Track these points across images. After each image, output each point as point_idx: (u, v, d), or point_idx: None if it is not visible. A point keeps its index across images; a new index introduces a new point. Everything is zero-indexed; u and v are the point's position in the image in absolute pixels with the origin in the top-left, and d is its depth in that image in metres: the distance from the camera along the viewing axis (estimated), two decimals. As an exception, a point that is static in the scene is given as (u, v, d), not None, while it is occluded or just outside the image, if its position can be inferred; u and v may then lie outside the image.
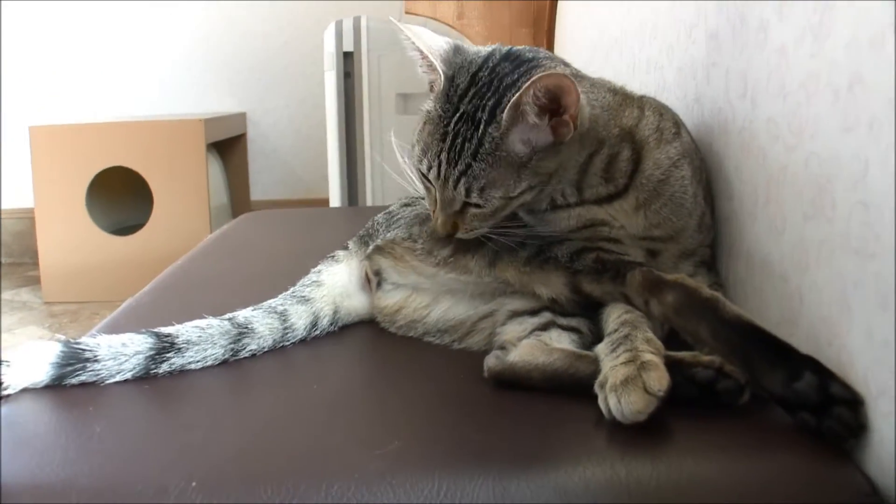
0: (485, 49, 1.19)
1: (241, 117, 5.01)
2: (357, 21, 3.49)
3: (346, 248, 1.41)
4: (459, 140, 1.10)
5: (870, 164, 0.85)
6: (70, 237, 3.97)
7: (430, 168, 1.14)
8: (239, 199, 4.93)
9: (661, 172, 1.19)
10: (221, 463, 0.89)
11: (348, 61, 3.52)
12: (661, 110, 1.27)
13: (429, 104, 1.17)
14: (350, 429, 0.99)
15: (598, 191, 1.18)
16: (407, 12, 2.94)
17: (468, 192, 1.11)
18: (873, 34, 0.85)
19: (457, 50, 1.18)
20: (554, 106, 1.07)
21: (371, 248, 1.33)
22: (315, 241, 1.87)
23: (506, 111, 1.07)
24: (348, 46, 3.50)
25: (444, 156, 1.11)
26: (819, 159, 0.96)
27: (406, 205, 1.41)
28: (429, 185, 1.17)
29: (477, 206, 1.13)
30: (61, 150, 3.94)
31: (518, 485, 0.83)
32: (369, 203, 3.57)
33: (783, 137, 1.06)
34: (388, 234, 1.32)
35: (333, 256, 1.39)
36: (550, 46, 2.97)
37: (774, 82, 1.09)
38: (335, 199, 3.60)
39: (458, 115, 1.11)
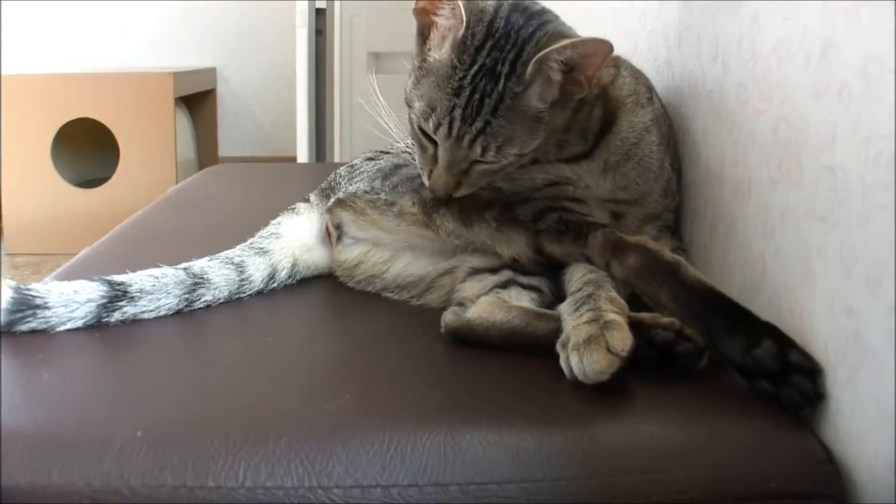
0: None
1: (211, 72, 4.96)
2: (331, -23, 3.45)
3: (307, 200, 1.40)
4: (478, 95, 1.03)
5: (838, 130, 0.84)
6: (35, 189, 3.92)
7: (438, 126, 1.05)
8: (207, 155, 4.88)
9: (634, 136, 1.18)
10: (169, 413, 0.87)
11: (320, 18, 3.48)
12: (636, 73, 1.26)
13: (433, 54, 1.08)
14: (302, 382, 0.98)
15: (573, 149, 1.16)
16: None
17: (484, 150, 1.05)
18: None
19: None
20: (574, 65, 1.04)
21: (332, 201, 1.31)
22: (279, 195, 1.84)
23: (530, 65, 1.03)
24: (321, 3, 3.47)
25: (457, 112, 1.04)
26: (788, 124, 0.95)
27: (369, 158, 1.39)
28: (427, 143, 1.10)
29: (488, 163, 1.08)
30: (27, 101, 3.88)
31: (469, 441, 0.82)
32: (337, 160, 3.55)
33: (753, 102, 1.05)
34: (350, 188, 1.29)
35: (294, 209, 1.37)
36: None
37: (746, 46, 1.07)
38: (303, 156, 3.58)
39: (475, 67, 1.04)
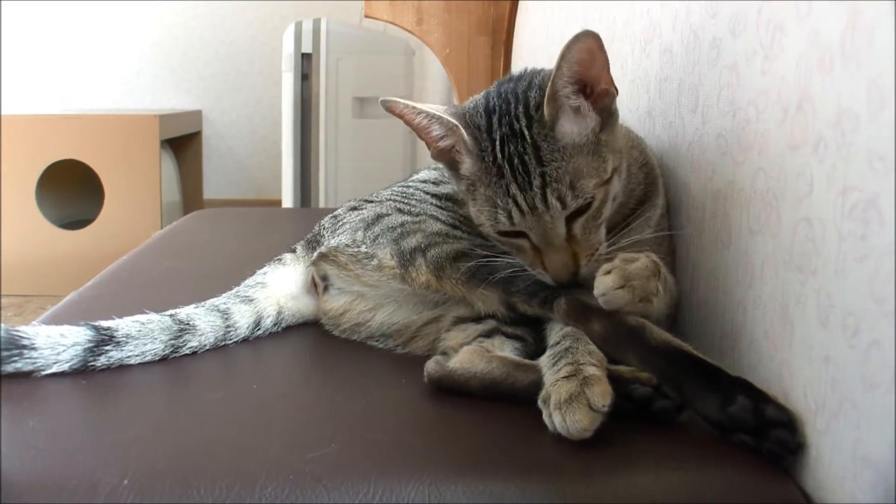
0: (474, 98, 1.16)
1: (196, 115, 4.98)
2: (317, 23, 3.47)
3: (293, 251, 1.40)
4: (517, 160, 1.05)
5: (815, 182, 0.85)
6: (19, 230, 3.92)
7: (509, 214, 1.05)
8: (192, 197, 4.89)
9: (664, 209, 1.22)
10: (155, 461, 0.87)
11: (306, 63, 3.50)
12: (638, 138, 1.28)
13: (464, 171, 1.11)
14: (287, 431, 0.98)
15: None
16: (366, 16, 2.93)
17: (561, 198, 1.03)
18: (822, 55, 0.85)
19: (451, 105, 1.15)
20: (582, 78, 1.05)
21: (316, 254, 1.32)
22: (264, 241, 1.85)
23: (544, 105, 1.05)
24: (307, 48, 3.49)
25: (514, 188, 1.04)
26: (766, 175, 0.97)
27: (353, 208, 1.39)
28: (521, 241, 1.09)
29: (580, 212, 1.05)
30: (12, 141, 3.89)
31: (454, 491, 0.83)
32: (322, 205, 3.55)
33: (732, 153, 1.06)
34: (333, 241, 1.30)
35: (280, 259, 1.38)
36: (508, 55, 2.98)
37: (725, 98, 1.09)
38: (287, 200, 3.58)
39: (497, 142, 1.06)
